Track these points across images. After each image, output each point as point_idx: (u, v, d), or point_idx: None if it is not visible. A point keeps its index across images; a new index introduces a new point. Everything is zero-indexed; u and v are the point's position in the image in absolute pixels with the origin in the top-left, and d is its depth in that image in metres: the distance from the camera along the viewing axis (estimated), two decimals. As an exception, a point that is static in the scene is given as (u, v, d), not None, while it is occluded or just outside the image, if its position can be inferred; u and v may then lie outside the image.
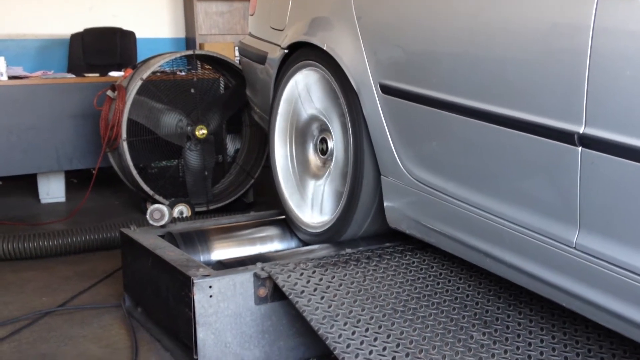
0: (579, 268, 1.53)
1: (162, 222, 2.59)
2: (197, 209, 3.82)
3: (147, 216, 2.59)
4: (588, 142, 1.47)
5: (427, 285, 2.00)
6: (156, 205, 2.60)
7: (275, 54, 2.64)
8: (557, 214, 1.59)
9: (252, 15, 3.00)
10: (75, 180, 4.81)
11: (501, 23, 1.70)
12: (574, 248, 1.54)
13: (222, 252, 2.52)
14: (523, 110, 1.63)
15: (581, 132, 1.48)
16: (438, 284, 2.01)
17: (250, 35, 3.00)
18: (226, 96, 4.08)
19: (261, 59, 2.78)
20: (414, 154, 2.05)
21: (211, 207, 3.93)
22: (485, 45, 1.75)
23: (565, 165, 1.53)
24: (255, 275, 2.05)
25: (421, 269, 2.09)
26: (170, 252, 2.30)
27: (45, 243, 3.23)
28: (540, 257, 1.64)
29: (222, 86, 4.22)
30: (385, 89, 2.10)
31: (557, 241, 1.58)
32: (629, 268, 1.42)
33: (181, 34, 6.25)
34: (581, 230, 1.53)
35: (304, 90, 2.51)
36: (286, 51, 2.54)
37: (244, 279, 2.04)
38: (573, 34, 1.49)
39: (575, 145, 1.50)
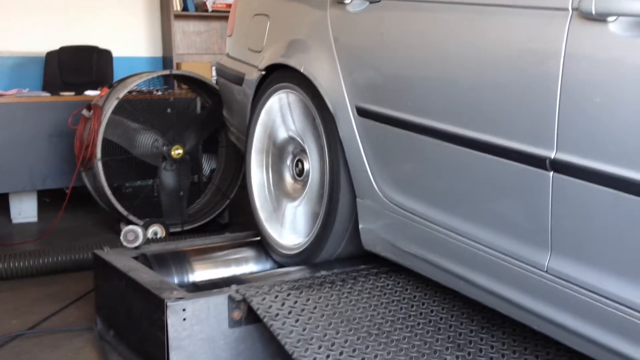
0: (551, 292, 1.54)
1: (136, 244, 2.57)
2: (171, 230, 3.80)
3: (121, 238, 2.56)
4: (559, 167, 1.49)
5: (401, 308, 2.00)
6: (130, 227, 2.58)
7: (253, 76, 2.64)
8: (529, 238, 1.60)
9: (229, 36, 3.01)
10: (47, 199, 4.75)
11: (474, 48, 1.72)
12: (546, 272, 1.55)
13: (196, 274, 2.50)
14: (496, 135, 1.65)
15: (552, 157, 1.50)
16: (412, 306, 2.01)
17: (228, 56, 3.01)
18: (203, 116, 4.08)
19: (238, 80, 2.79)
20: (389, 177, 2.06)
21: (186, 228, 3.90)
22: (458, 70, 1.78)
23: (537, 190, 1.55)
24: (230, 298, 2.03)
25: (396, 292, 2.09)
26: (143, 274, 2.27)
27: (15, 264, 3.17)
28: (513, 281, 1.65)
29: (199, 106, 4.21)
30: (362, 112, 2.11)
31: (529, 265, 1.60)
32: (599, 292, 1.43)
33: (158, 53, 6.24)
34: (553, 254, 1.54)
35: (281, 112, 2.52)
36: (263, 73, 2.55)
37: (218, 302, 2.02)
38: (544, 59, 1.52)
39: (546, 169, 1.52)
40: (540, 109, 1.52)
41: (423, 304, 2.03)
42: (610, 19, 1.39)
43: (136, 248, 2.60)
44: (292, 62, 2.37)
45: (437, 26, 1.86)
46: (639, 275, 1.37)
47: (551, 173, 1.51)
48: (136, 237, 2.56)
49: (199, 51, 6.21)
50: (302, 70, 2.30)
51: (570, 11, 1.46)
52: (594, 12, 1.39)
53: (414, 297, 2.07)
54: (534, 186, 1.56)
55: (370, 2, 2.08)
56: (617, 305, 1.40)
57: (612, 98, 1.39)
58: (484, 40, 1.70)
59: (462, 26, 1.77)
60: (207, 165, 4.28)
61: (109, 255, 2.53)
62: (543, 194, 1.53)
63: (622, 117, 1.37)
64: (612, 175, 1.38)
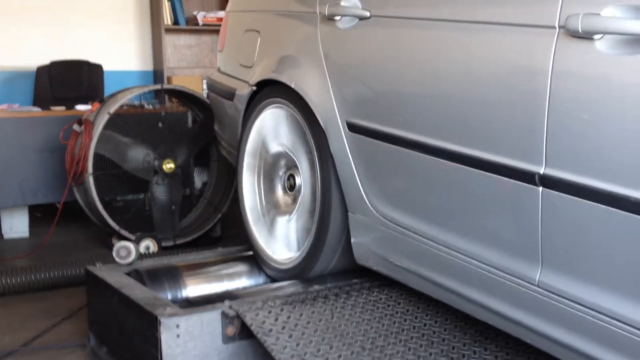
0: (542, 306, 1.56)
1: (129, 260, 2.57)
2: (164, 244, 3.79)
3: (114, 254, 2.56)
4: (548, 182, 1.51)
5: (394, 322, 2.01)
6: (123, 243, 2.58)
7: (244, 91, 2.66)
8: (520, 252, 1.62)
9: (220, 51, 3.03)
10: (39, 214, 4.74)
11: (463, 64, 1.74)
12: (537, 286, 1.57)
13: (189, 289, 2.50)
14: (486, 150, 1.67)
15: (541, 172, 1.52)
16: (405, 320, 2.02)
17: (219, 71, 3.03)
18: (194, 130, 4.09)
19: (230, 95, 2.80)
20: (380, 191, 2.08)
21: (178, 242, 3.90)
22: (448, 86, 1.80)
23: (527, 205, 1.56)
24: (223, 314, 2.04)
25: (389, 306, 2.10)
26: (136, 290, 2.27)
27: (7, 280, 3.17)
28: (505, 295, 1.66)
29: (190, 120, 4.22)
30: (352, 127, 2.13)
31: (520, 279, 1.61)
32: (590, 306, 1.45)
33: (149, 66, 6.25)
34: (543, 269, 1.56)
35: (272, 127, 2.53)
36: (254, 88, 2.57)
37: (211, 318, 2.03)
38: (532, 76, 1.53)
39: (536, 185, 1.53)
40: (529, 125, 1.54)
41: (416, 317, 2.04)
42: (596, 36, 1.41)
43: (129, 264, 2.59)
44: (283, 78, 2.38)
45: (427, 42, 1.88)
46: (628, 289, 1.39)
47: (540, 188, 1.53)
48: (129, 253, 2.56)
49: (190, 65, 6.23)
50: (292, 86, 2.32)
51: (557, 29, 1.48)
52: (580, 30, 1.41)
53: (407, 311, 2.08)
54: (523, 201, 1.57)
55: (360, 19, 2.10)
56: (607, 318, 1.42)
57: (599, 115, 1.41)
58: (473, 57, 1.72)
59: (451, 42, 1.79)
60: (199, 178, 4.28)
61: (101, 271, 2.53)
62: (533, 209, 1.55)
63: (609, 134, 1.39)
64: (600, 190, 1.40)
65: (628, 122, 1.36)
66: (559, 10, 1.48)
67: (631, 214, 1.35)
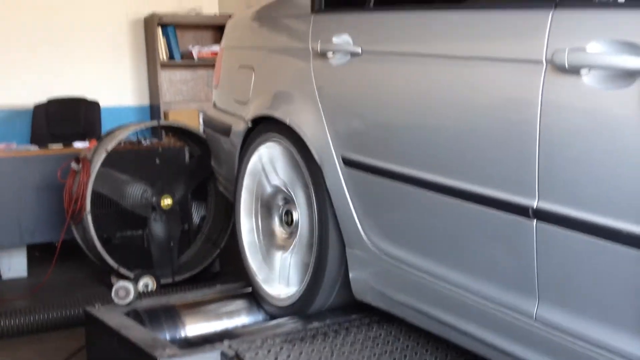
0: (540, 340, 1.55)
1: (128, 300, 2.56)
2: (162, 281, 3.78)
3: (112, 294, 2.55)
4: (542, 215, 1.51)
5: (394, 359, 2.00)
6: (121, 283, 2.58)
7: (239, 127, 2.67)
8: (517, 286, 1.62)
9: (216, 87, 3.05)
10: (37, 253, 4.73)
11: (455, 99, 1.76)
12: (535, 320, 1.56)
13: (188, 328, 2.49)
14: (480, 184, 1.68)
15: (535, 205, 1.52)
16: (405, 356, 2.01)
17: (215, 107, 3.04)
18: (191, 166, 4.10)
19: (225, 131, 2.81)
20: (377, 226, 2.08)
21: (177, 279, 3.89)
22: (441, 120, 1.81)
23: (522, 238, 1.57)
24: (223, 354, 2.03)
25: (388, 342, 2.09)
26: (135, 332, 2.26)
27: (5, 322, 3.15)
28: (503, 329, 1.66)
29: (188, 155, 4.23)
30: (348, 162, 2.14)
31: (518, 313, 1.61)
32: (587, 340, 1.45)
33: (145, 101, 6.29)
34: (540, 302, 1.56)
35: (268, 163, 2.54)
36: (250, 124, 2.58)
37: (211, 358, 2.02)
38: (523, 110, 1.55)
39: (530, 218, 1.54)
40: (521, 159, 1.55)
41: (416, 353, 2.03)
42: (583, 71, 1.42)
43: (127, 304, 2.58)
44: (278, 114, 2.40)
45: (418, 77, 1.89)
46: (624, 322, 1.38)
47: (534, 221, 1.53)
48: (127, 293, 2.55)
49: (186, 99, 6.27)
50: (287, 122, 2.33)
51: (545, 64, 1.50)
52: (566, 65, 1.43)
53: (407, 346, 2.07)
54: (518, 234, 1.58)
55: (352, 55, 2.12)
56: (604, 352, 1.41)
57: (589, 147, 1.42)
58: (464, 91, 1.74)
59: (442, 78, 1.81)
60: (197, 213, 4.28)
61: (100, 312, 2.52)
62: (528, 242, 1.55)
63: (598, 166, 1.40)
64: (593, 223, 1.41)
65: (617, 155, 1.37)
66: (545, 45, 1.50)
67: (624, 247, 1.36)
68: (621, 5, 1.45)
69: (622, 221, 1.36)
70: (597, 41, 1.40)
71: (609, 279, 1.41)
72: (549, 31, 1.50)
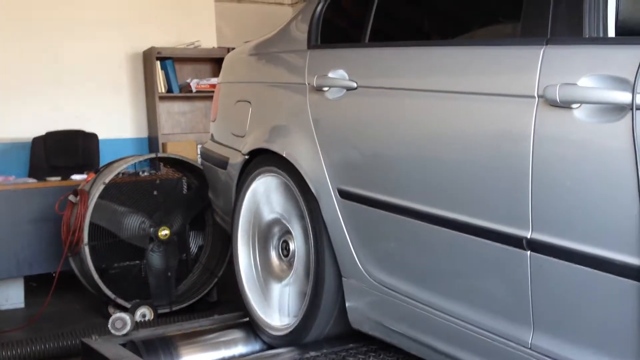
0: (536, 369, 1.57)
1: (124, 331, 2.56)
2: (160, 311, 3.78)
3: (109, 326, 2.56)
4: (536, 246, 1.54)
5: (391, 388, 2.01)
6: (118, 314, 2.58)
7: (237, 160, 2.71)
8: (512, 315, 1.64)
9: (213, 121, 3.09)
10: (34, 284, 4.72)
11: (450, 132, 1.80)
12: (530, 349, 1.58)
13: (186, 358, 2.50)
14: (474, 216, 1.71)
15: (529, 237, 1.55)
16: (402, 386, 2.02)
17: (212, 140, 3.08)
18: (189, 197, 4.12)
19: (223, 163, 2.85)
20: (373, 256, 2.10)
21: (175, 308, 3.89)
22: (435, 153, 1.85)
23: (516, 269, 1.59)
24: (220, 384, 2.04)
25: (385, 371, 2.11)
26: (132, 363, 2.27)
27: (4, 353, 3.14)
28: (498, 358, 1.67)
29: (185, 186, 4.26)
30: (344, 194, 2.17)
31: (513, 342, 1.63)
32: (582, 369, 1.47)
33: (144, 133, 6.33)
34: (535, 331, 1.58)
35: (265, 195, 2.57)
36: (247, 157, 2.62)
37: (208, 389, 2.02)
38: (515, 144, 1.59)
39: (524, 249, 1.57)
40: (515, 191, 1.59)
41: (412, 382, 2.04)
42: (574, 105, 1.47)
43: (124, 335, 2.59)
44: (274, 147, 2.43)
45: (413, 112, 1.93)
46: (617, 351, 1.40)
47: (528, 252, 1.56)
48: (124, 324, 2.56)
49: (184, 130, 6.32)
50: (284, 155, 2.37)
51: (537, 98, 1.54)
52: (558, 100, 1.47)
53: (403, 376, 2.08)
54: (513, 265, 1.60)
55: (347, 90, 2.17)
56: (599, 381, 1.43)
57: (580, 180, 1.45)
58: (458, 125, 1.77)
59: (436, 112, 1.85)
60: (194, 242, 4.30)
61: (97, 343, 2.52)
62: (522, 273, 1.58)
63: (590, 198, 1.43)
64: (586, 254, 1.44)
65: (608, 187, 1.40)
66: (537, 80, 1.55)
67: (616, 277, 1.38)
68: (610, 42, 1.50)
69: (614, 252, 1.39)
70: (587, 77, 1.45)
71: (602, 309, 1.43)
72: (541, 67, 1.54)
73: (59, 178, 4.58)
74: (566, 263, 1.48)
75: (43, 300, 3.99)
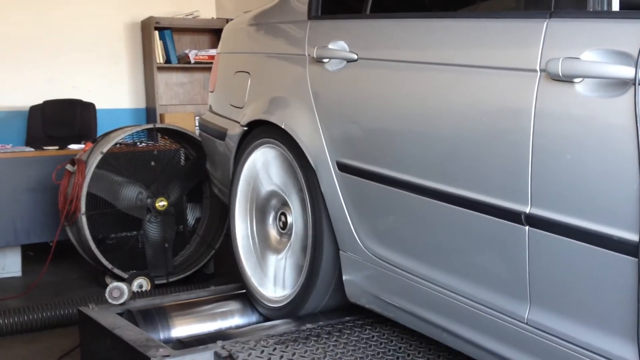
0: (531, 343, 1.58)
1: (122, 301, 2.57)
2: (157, 282, 3.79)
3: (106, 295, 2.57)
4: (534, 221, 1.54)
5: (386, 361, 2.02)
6: (115, 284, 2.59)
7: (235, 131, 2.69)
8: (509, 290, 1.64)
9: (212, 92, 3.07)
10: (31, 253, 4.73)
11: (450, 106, 1.79)
12: (526, 323, 1.59)
13: (182, 329, 2.51)
14: (473, 190, 1.70)
15: (527, 211, 1.55)
16: (397, 358, 2.03)
17: (210, 111, 3.06)
18: (187, 168, 4.11)
19: (221, 135, 2.83)
20: (371, 230, 2.10)
21: (171, 279, 3.90)
22: (435, 127, 1.84)
23: (514, 244, 1.59)
24: (216, 354, 2.04)
25: (381, 344, 2.11)
26: (129, 332, 2.28)
27: (1, 321, 3.16)
28: (494, 332, 1.68)
29: (183, 157, 4.25)
30: (342, 167, 2.16)
31: (509, 316, 1.63)
32: (577, 343, 1.47)
33: (142, 104, 6.30)
34: (532, 306, 1.58)
35: (263, 167, 2.56)
36: (246, 128, 2.60)
37: (204, 359, 2.03)
38: (516, 117, 1.57)
39: (522, 224, 1.57)
40: (514, 165, 1.58)
41: (408, 355, 2.05)
42: (576, 80, 1.45)
43: (121, 304, 2.60)
44: (273, 119, 2.42)
45: (413, 85, 1.92)
46: (614, 326, 1.41)
47: (527, 227, 1.56)
48: (121, 294, 2.57)
49: (182, 102, 6.29)
50: (283, 127, 2.36)
51: (539, 72, 1.53)
52: (560, 73, 1.46)
53: (399, 348, 2.09)
54: (511, 240, 1.60)
55: (348, 62, 2.15)
56: (594, 355, 1.44)
57: (581, 155, 1.45)
58: (459, 99, 1.76)
59: (437, 85, 1.84)
60: (192, 215, 4.30)
61: (94, 312, 2.53)
62: (520, 248, 1.58)
63: (590, 174, 1.43)
64: (584, 229, 1.43)
65: (608, 162, 1.40)
66: (539, 54, 1.53)
67: (614, 252, 1.38)
68: (614, 16, 1.48)
69: (613, 228, 1.39)
70: (590, 51, 1.43)
71: (599, 284, 1.44)
72: (544, 40, 1.53)
73: (56, 147, 4.56)
74: (564, 239, 1.48)
75: (40, 269, 4.00)
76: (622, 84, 1.38)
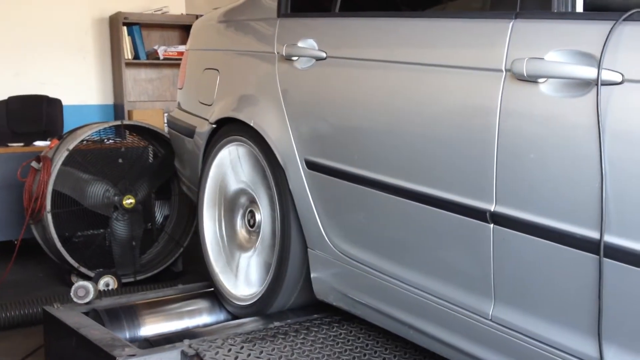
0: (496, 339, 1.60)
1: (87, 300, 2.54)
2: (124, 280, 3.75)
3: (71, 294, 2.53)
4: (499, 219, 1.56)
5: (354, 358, 2.03)
6: (81, 283, 2.56)
7: (204, 128, 2.68)
8: (474, 287, 1.66)
9: (180, 89, 3.05)
10: (-5, 251, 4.66)
11: (416, 104, 1.80)
12: (490, 320, 1.61)
13: (149, 327, 2.49)
14: (439, 188, 1.71)
15: (492, 210, 1.57)
16: (365, 355, 2.04)
17: (179, 108, 3.04)
18: (155, 166, 4.08)
19: (190, 132, 2.82)
20: (338, 228, 2.11)
21: (139, 278, 3.87)
22: (402, 125, 1.85)
23: (479, 241, 1.61)
24: (183, 353, 2.03)
25: (348, 341, 2.12)
26: (94, 331, 2.25)
27: (-37, 321, 3.10)
28: (460, 329, 1.70)
29: (151, 155, 4.21)
30: (311, 165, 2.17)
31: (474, 313, 1.65)
32: (540, 339, 1.49)
33: (109, 100, 6.23)
34: (496, 303, 1.60)
35: (232, 164, 2.55)
36: (214, 126, 2.59)
37: (171, 357, 2.02)
38: (482, 117, 1.59)
39: (487, 222, 1.58)
40: (480, 164, 1.59)
41: (375, 352, 2.06)
42: (540, 80, 1.47)
43: (87, 303, 2.57)
44: (242, 116, 2.41)
45: (380, 84, 1.93)
46: (576, 323, 1.43)
47: (492, 225, 1.58)
48: (87, 293, 2.54)
49: (151, 98, 6.23)
50: (252, 124, 2.35)
51: (504, 72, 1.55)
52: (525, 74, 1.48)
53: (367, 345, 2.10)
54: (476, 238, 1.62)
55: (316, 60, 2.15)
56: (557, 352, 1.46)
57: (544, 154, 1.47)
58: (425, 97, 1.77)
59: (404, 84, 1.85)
60: (160, 212, 4.26)
61: (59, 311, 2.50)
62: (485, 245, 1.60)
63: (553, 173, 1.45)
64: (548, 227, 1.45)
65: (571, 161, 1.42)
66: (505, 54, 1.55)
67: (576, 250, 1.41)
68: (578, 17, 1.51)
69: (575, 225, 1.41)
70: (555, 51, 1.45)
71: (562, 281, 1.46)
72: (509, 41, 1.55)
73: (21, 144, 4.49)
74: (528, 236, 1.50)
75: (4, 268, 3.93)
76: (585, 85, 1.40)
